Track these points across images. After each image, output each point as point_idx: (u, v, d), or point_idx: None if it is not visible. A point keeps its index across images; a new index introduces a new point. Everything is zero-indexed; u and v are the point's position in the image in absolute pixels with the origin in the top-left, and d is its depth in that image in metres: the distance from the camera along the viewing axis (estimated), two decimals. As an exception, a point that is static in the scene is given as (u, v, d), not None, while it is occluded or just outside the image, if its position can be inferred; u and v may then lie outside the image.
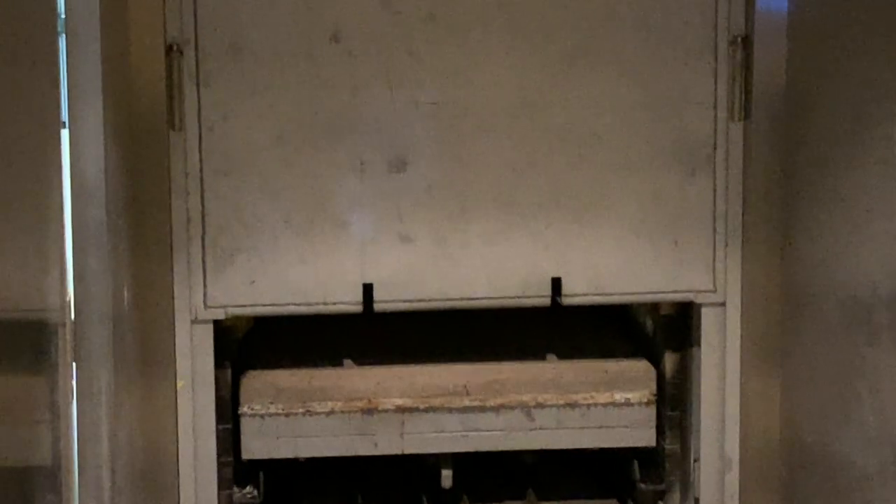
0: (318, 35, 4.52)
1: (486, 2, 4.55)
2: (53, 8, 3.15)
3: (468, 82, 4.59)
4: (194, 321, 4.60)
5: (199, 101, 4.50)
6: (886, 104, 3.81)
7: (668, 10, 4.58)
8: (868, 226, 3.95)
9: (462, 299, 4.70)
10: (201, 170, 4.53)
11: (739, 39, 4.54)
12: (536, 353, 4.97)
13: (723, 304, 4.73)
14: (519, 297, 4.71)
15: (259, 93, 4.53)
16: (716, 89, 4.60)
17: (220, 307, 4.62)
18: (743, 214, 4.67)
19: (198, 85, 4.49)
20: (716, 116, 4.62)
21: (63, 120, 3.32)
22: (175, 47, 4.41)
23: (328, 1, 4.50)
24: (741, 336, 4.73)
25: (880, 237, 3.86)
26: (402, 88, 4.57)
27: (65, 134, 3.34)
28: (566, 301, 4.69)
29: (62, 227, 3.24)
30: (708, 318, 4.76)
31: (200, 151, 4.53)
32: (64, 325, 3.25)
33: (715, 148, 4.64)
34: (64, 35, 3.32)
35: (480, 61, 4.58)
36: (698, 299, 4.75)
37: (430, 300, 4.69)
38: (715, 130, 4.63)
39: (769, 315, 4.65)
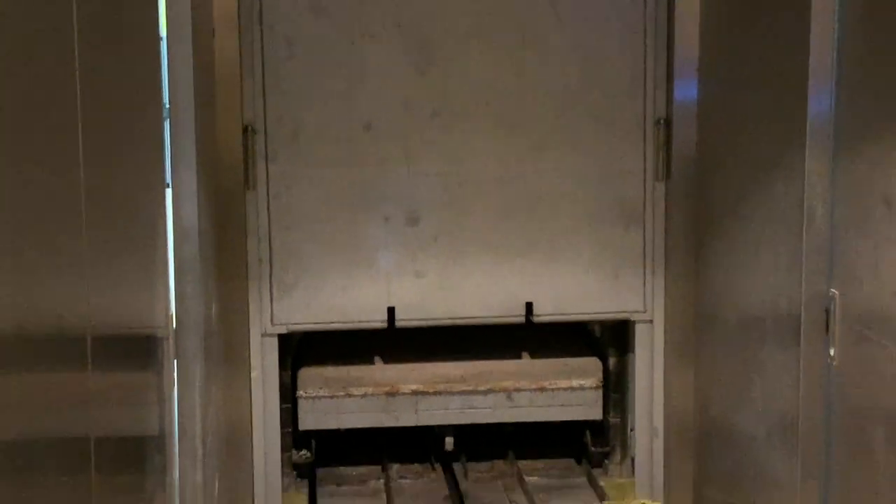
0: (355, 125, 4.55)
1: (476, 102, 4.58)
2: (160, 101, 3.15)
3: (464, 159, 4.62)
4: (264, 335, 4.64)
5: (267, 173, 4.52)
6: (768, 169, 3.81)
7: (610, 102, 4.59)
8: (758, 260, 3.94)
9: (460, 318, 4.73)
10: (269, 225, 4.55)
11: (662, 121, 4.57)
12: (515, 353, 4.99)
13: (651, 321, 4.76)
14: (501, 317, 4.73)
15: (312, 167, 4.55)
16: (645, 159, 4.61)
17: (283, 325, 4.65)
18: (665, 253, 4.69)
19: (266, 161, 4.51)
20: (645, 180, 4.62)
21: (167, 181, 3.31)
22: (249, 128, 4.44)
23: (363, 101, 4.53)
24: (665, 342, 4.75)
25: (767, 268, 3.86)
26: (416, 164, 4.60)
27: (168, 192, 3.33)
28: (536, 320, 4.73)
29: (166, 261, 3.23)
30: (640, 332, 4.80)
31: (268, 212, 4.55)
32: (168, 333, 3.23)
33: (644, 205, 4.65)
34: (168, 119, 3.31)
35: (473, 144, 4.61)
36: (633, 318, 4.79)
37: (437, 319, 4.73)
38: (644, 191, 4.64)
39: (685, 327, 4.64)
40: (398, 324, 4.69)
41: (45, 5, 1.80)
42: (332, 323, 4.70)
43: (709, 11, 4.37)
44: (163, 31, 3.21)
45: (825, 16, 3.45)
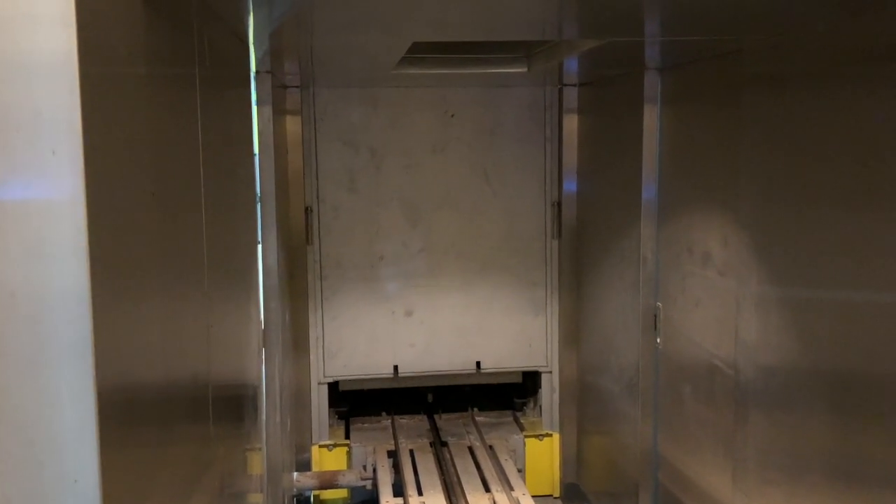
0: (373, 257, 4.53)
1: (445, 243, 4.57)
2: (254, 190, 3.11)
3: (439, 277, 4.58)
4: (319, 383, 4.55)
5: (321, 287, 4.48)
6: (619, 232, 3.80)
7: (525, 244, 4.60)
8: (614, 285, 3.91)
9: (437, 371, 4.64)
10: (323, 317, 4.50)
11: (556, 203, 4.52)
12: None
13: (550, 372, 4.67)
14: (461, 370, 4.64)
15: (347, 283, 4.51)
16: (545, 226, 4.56)
17: (330, 377, 4.56)
18: (559, 329, 4.60)
19: (321, 279, 4.48)
20: (546, 240, 4.57)
21: (258, 240, 3.24)
22: (308, 208, 4.39)
23: (378, 243, 4.52)
24: (560, 384, 4.62)
25: (619, 290, 3.83)
26: (410, 280, 4.56)
27: (259, 247, 3.27)
28: (483, 371, 4.66)
29: (258, 289, 3.12)
30: (545, 378, 4.69)
31: (322, 309, 4.50)
32: (259, 331, 3.12)
33: (546, 256, 4.57)
34: (259, 203, 3.28)
35: (444, 268, 4.58)
36: (540, 370, 4.69)
37: (424, 372, 4.62)
38: (545, 248, 4.58)
39: (571, 372, 4.56)
40: (400, 375, 4.61)
41: (184, 133, 1.80)
42: (361, 375, 4.60)
43: (582, 137, 4.39)
44: (255, 149, 3.20)
45: (651, 143, 3.52)
